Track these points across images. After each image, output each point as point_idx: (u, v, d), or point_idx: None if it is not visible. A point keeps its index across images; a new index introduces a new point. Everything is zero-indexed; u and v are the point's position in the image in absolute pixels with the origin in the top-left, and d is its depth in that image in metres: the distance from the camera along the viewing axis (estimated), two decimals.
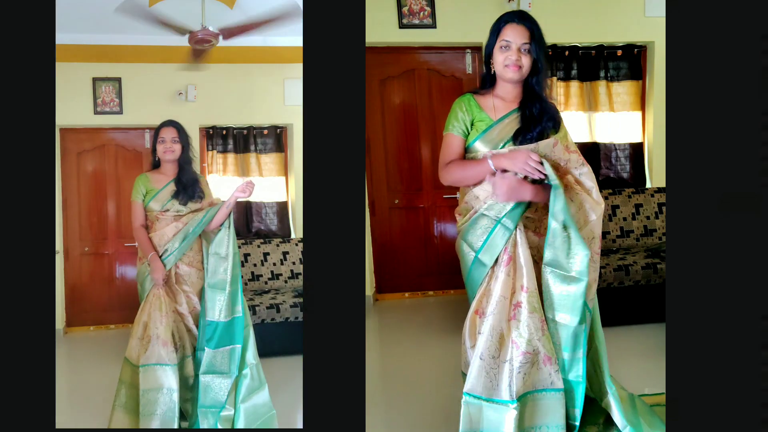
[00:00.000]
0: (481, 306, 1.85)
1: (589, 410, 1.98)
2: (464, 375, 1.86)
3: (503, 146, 1.87)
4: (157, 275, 2.60)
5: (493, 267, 1.86)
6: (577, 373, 1.78)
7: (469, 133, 1.93)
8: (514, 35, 1.82)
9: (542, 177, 1.76)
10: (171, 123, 2.77)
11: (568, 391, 1.80)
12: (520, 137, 1.86)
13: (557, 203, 1.74)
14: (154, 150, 2.77)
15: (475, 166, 1.85)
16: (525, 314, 1.76)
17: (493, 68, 1.90)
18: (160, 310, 2.57)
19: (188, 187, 2.74)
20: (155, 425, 2.43)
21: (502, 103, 1.92)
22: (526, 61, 1.83)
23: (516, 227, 1.83)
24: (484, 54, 1.94)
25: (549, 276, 1.78)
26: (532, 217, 1.88)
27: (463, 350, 1.88)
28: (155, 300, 2.60)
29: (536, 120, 1.86)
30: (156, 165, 2.79)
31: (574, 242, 1.74)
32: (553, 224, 1.75)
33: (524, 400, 1.73)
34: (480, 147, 1.90)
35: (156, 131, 2.77)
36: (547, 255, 1.78)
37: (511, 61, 1.83)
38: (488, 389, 1.73)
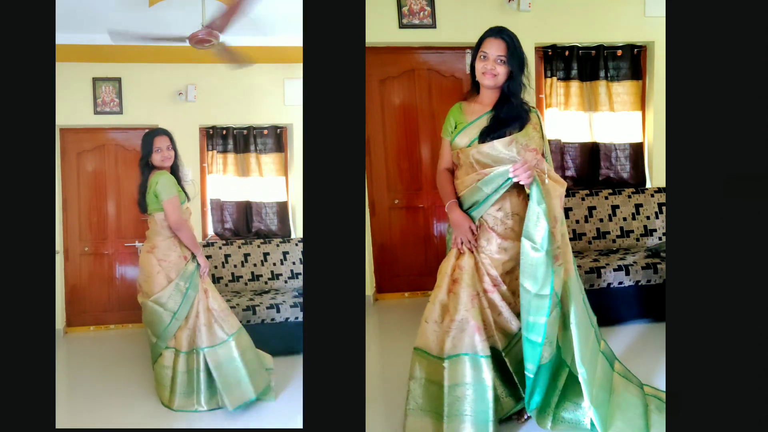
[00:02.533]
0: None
1: (573, 388, 2.17)
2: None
3: (470, 145, 2.17)
4: (207, 265, 2.97)
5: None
6: (537, 334, 1.99)
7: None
8: (491, 47, 2.10)
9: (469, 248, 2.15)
10: (164, 132, 2.90)
11: (512, 353, 2.13)
12: (486, 136, 2.14)
13: (533, 195, 2.00)
14: (145, 158, 2.87)
15: (443, 196, 2.24)
16: (458, 288, 2.10)
17: (476, 77, 2.18)
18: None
19: (184, 189, 2.97)
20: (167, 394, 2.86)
21: (480, 107, 2.21)
22: (500, 70, 2.10)
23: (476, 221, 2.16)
24: (469, 64, 2.24)
25: (524, 245, 2.03)
26: (495, 215, 2.16)
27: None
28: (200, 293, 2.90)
29: (504, 122, 2.12)
30: (147, 171, 2.90)
31: (541, 217, 1.97)
32: (531, 204, 2.01)
33: (454, 359, 2.05)
34: (455, 146, 2.22)
35: (149, 140, 2.85)
36: (525, 227, 2.03)
37: (486, 69, 2.11)
38: (429, 347, 2.11)
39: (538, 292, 1.98)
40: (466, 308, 2.08)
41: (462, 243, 2.15)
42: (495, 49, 2.09)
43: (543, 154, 2.14)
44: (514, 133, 2.11)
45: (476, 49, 2.15)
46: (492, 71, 2.10)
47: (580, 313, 2.10)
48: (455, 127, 2.23)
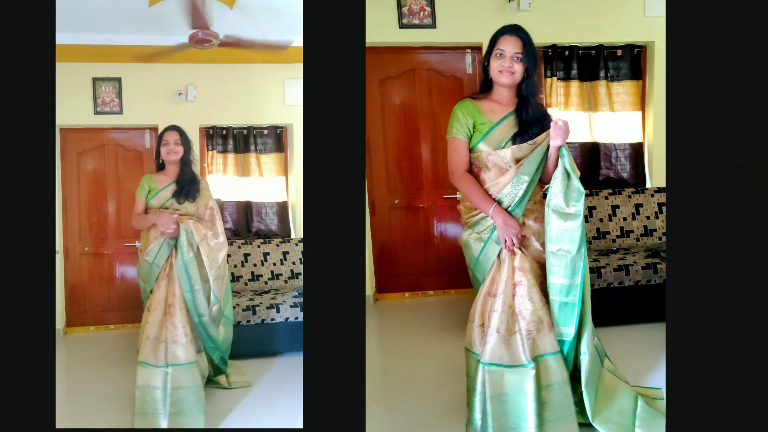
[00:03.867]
0: (492, 288, 2.12)
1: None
2: (467, 350, 2.17)
3: (504, 145, 2.13)
4: (167, 222, 2.78)
5: (499, 256, 2.14)
6: (574, 294, 2.03)
7: (471, 136, 2.16)
8: (508, 45, 2.08)
9: (518, 249, 2.10)
10: (174, 127, 2.98)
11: (563, 318, 2.08)
12: (519, 138, 2.12)
13: (565, 158, 2.04)
14: (158, 153, 2.97)
15: (480, 201, 2.12)
16: (525, 289, 2.06)
17: (491, 75, 2.14)
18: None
19: (185, 186, 2.91)
20: (145, 424, 2.59)
21: (499, 106, 2.16)
22: (518, 68, 2.08)
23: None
24: (483, 62, 2.19)
25: (551, 216, 2.05)
26: (531, 207, 2.15)
27: (470, 328, 2.16)
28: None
29: (530, 123, 2.11)
30: (160, 167, 2.98)
31: (573, 186, 2.03)
32: (558, 173, 2.04)
33: (536, 361, 2.02)
34: (483, 148, 2.14)
35: (160, 135, 2.98)
36: (551, 198, 2.06)
37: (504, 67, 2.08)
38: (507, 358, 2.02)
39: (575, 253, 2.01)
40: (540, 307, 2.06)
41: (512, 243, 2.09)
42: (512, 46, 2.07)
43: None
44: (546, 130, 2.11)
45: (491, 46, 2.12)
46: (509, 69, 2.07)
47: (588, 299, 2.13)
48: (474, 128, 2.14)
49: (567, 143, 2.07)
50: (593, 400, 2.11)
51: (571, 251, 2.01)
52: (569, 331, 2.05)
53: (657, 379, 2.52)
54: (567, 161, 2.03)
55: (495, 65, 2.10)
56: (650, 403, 2.25)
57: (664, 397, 2.31)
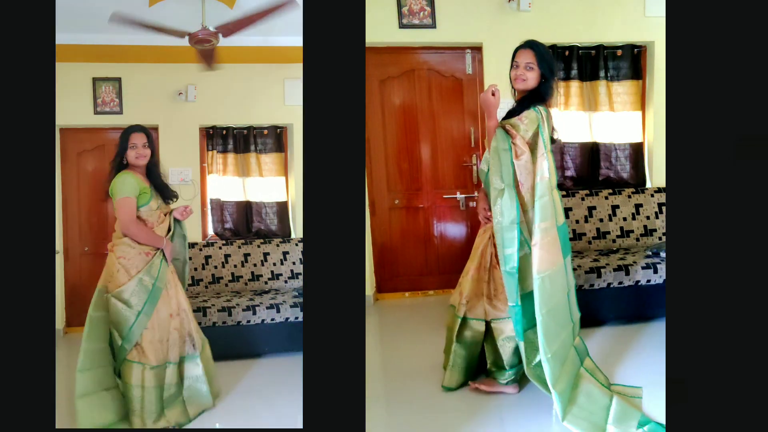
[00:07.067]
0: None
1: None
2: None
3: None
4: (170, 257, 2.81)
5: None
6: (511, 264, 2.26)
7: None
8: (521, 56, 2.42)
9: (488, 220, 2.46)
10: (140, 129, 2.77)
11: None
12: None
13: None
14: (121, 154, 2.73)
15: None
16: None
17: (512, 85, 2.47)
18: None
19: (165, 188, 2.84)
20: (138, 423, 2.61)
21: None
22: (529, 75, 2.40)
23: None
24: (510, 78, 2.49)
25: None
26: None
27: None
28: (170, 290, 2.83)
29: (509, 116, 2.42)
30: (121, 168, 2.73)
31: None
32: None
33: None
34: None
35: (125, 137, 2.74)
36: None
37: (517, 75, 2.42)
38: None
39: (505, 223, 2.25)
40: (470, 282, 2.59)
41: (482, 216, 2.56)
42: (524, 57, 2.40)
43: (532, 148, 2.34)
44: (505, 120, 2.38)
45: (511, 61, 2.45)
46: (521, 76, 2.40)
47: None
48: None
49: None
50: (566, 401, 2.21)
51: (501, 222, 2.26)
52: (513, 298, 2.27)
53: (656, 379, 2.52)
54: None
55: (511, 75, 2.44)
56: (627, 401, 2.30)
57: (642, 396, 2.37)
